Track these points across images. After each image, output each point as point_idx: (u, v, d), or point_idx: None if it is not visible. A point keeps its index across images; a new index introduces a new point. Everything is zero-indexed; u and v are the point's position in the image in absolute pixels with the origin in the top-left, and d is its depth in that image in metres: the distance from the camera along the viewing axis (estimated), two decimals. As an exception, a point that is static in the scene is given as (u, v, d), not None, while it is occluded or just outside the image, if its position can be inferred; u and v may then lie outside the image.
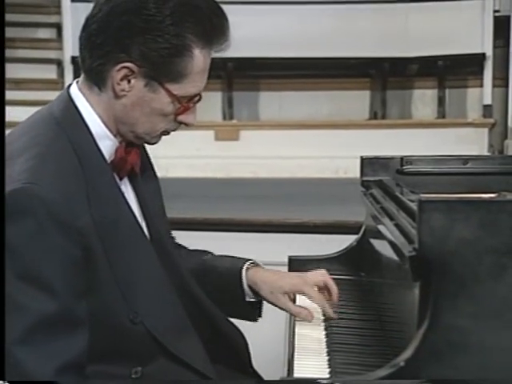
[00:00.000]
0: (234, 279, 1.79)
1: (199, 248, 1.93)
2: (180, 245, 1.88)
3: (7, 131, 1.60)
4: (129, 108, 1.50)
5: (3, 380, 1.44)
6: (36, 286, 1.37)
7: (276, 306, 1.79)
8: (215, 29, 1.49)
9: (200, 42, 1.47)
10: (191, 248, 1.90)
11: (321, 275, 1.81)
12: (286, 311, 1.79)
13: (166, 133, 1.58)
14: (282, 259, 2.22)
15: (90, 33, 1.47)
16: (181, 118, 1.54)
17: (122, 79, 1.47)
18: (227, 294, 1.79)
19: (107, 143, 1.53)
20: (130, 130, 1.53)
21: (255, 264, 1.83)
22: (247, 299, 1.80)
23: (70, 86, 1.56)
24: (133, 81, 1.47)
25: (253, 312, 1.83)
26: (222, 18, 1.51)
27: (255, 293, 1.79)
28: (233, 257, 1.87)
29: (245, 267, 1.79)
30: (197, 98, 1.54)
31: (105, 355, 1.49)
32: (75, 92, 1.54)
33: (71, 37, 6.46)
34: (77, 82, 1.55)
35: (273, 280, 1.78)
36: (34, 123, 1.54)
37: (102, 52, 1.46)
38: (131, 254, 1.52)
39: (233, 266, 1.81)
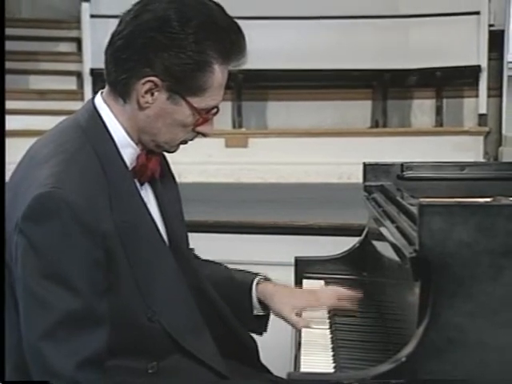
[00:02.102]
0: (244, 292, 1.78)
1: (208, 249, 1.93)
2: (195, 255, 1.87)
3: (32, 139, 1.60)
4: (151, 119, 1.51)
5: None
6: (60, 285, 1.38)
7: (284, 319, 1.76)
8: (234, 46, 1.50)
9: (220, 58, 1.48)
10: (199, 251, 1.90)
11: (332, 291, 1.81)
12: (292, 325, 1.76)
13: (184, 142, 1.58)
14: (288, 260, 2.22)
15: (116, 48, 1.48)
16: (199, 128, 1.55)
17: (146, 92, 1.48)
18: (236, 305, 1.77)
19: (129, 151, 1.54)
20: (152, 139, 1.54)
21: (266, 279, 1.81)
22: (255, 312, 1.79)
23: (94, 96, 1.57)
24: (156, 94, 1.48)
25: (259, 326, 1.81)
26: (240, 37, 1.52)
27: (264, 306, 1.78)
28: (245, 271, 1.86)
29: (255, 281, 1.78)
30: (215, 110, 1.55)
31: (123, 350, 1.50)
32: (100, 103, 1.54)
33: (90, 50, 6.47)
34: (101, 93, 1.56)
35: (284, 295, 1.77)
36: (61, 131, 1.55)
37: (128, 66, 1.47)
38: (150, 256, 1.52)
39: (244, 279, 1.80)
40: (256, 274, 1.81)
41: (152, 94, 1.48)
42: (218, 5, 1.52)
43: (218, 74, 1.50)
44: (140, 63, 1.46)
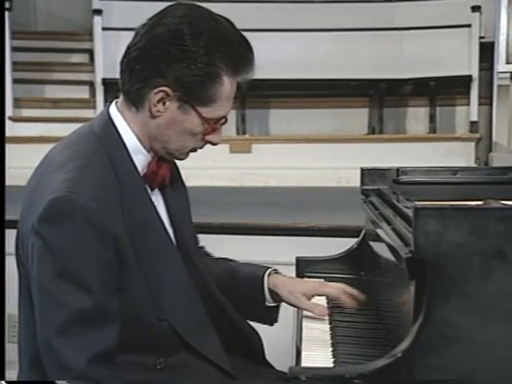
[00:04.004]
0: (256, 284, 1.78)
1: (214, 250, 1.93)
2: (207, 253, 1.87)
3: (47, 145, 1.61)
4: (163, 127, 1.50)
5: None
6: (74, 284, 1.38)
7: (293, 305, 1.77)
8: (243, 60, 1.50)
9: (229, 70, 1.48)
10: (211, 253, 1.90)
11: (338, 285, 1.82)
12: (303, 309, 1.77)
13: (194, 150, 1.58)
14: (290, 260, 2.22)
15: (131, 59, 1.48)
16: (208, 137, 1.55)
17: (158, 101, 1.48)
18: (249, 297, 1.78)
19: (141, 158, 1.54)
20: (163, 147, 1.54)
21: (276, 271, 1.82)
22: (267, 304, 1.78)
23: (109, 105, 1.57)
24: (167, 103, 1.48)
25: (270, 316, 1.81)
26: (249, 51, 1.52)
27: (275, 295, 1.78)
28: (255, 264, 1.86)
29: (267, 273, 1.79)
30: (223, 120, 1.55)
31: (133, 347, 1.50)
32: (114, 111, 1.54)
33: (102, 61, 6.47)
34: (116, 102, 1.56)
35: (293, 283, 1.79)
36: (76, 138, 1.55)
37: (141, 76, 1.47)
38: (159, 258, 1.52)
39: (256, 272, 1.80)
40: (266, 267, 1.81)
41: (164, 104, 1.48)
42: (228, 20, 1.52)
43: (227, 85, 1.50)
44: (153, 74, 1.46)
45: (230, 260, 1.89)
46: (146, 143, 1.54)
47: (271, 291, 1.78)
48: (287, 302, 1.78)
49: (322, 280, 1.92)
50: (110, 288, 1.42)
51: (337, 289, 1.80)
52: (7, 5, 6.03)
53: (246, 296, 1.77)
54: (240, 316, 1.74)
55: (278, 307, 1.81)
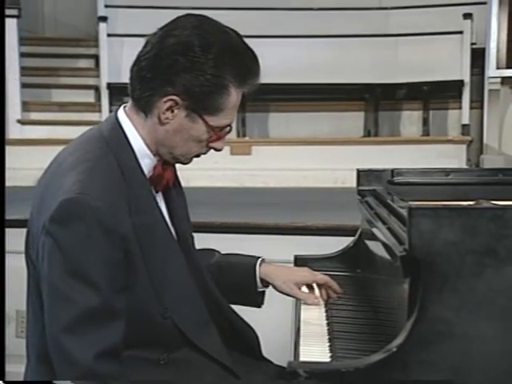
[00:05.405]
0: (249, 273, 1.82)
1: (213, 248, 1.93)
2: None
3: (54, 147, 1.60)
4: (170, 133, 1.51)
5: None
6: (82, 282, 1.38)
7: (287, 294, 1.83)
8: (250, 72, 1.51)
9: (236, 82, 1.49)
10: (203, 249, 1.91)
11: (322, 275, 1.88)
12: (297, 298, 1.84)
13: (197, 156, 1.58)
14: (288, 258, 2.22)
15: (141, 68, 1.48)
16: (212, 144, 1.56)
17: (166, 109, 1.48)
18: (242, 284, 1.82)
19: (147, 161, 1.54)
20: (169, 152, 1.54)
21: (265, 261, 1.86)
22: (258, 290, 1.83)
23: (117, 110, 1.57)
24: (176, 111, 1.48)
25: (260, 300, 1.86)
26: (256, 63, 1.52)
27: (266, 284, 1.83)
28: (243, 255, 1.90)
29: (258, 262, 1.83)
30: (228, 129, 1.55)
31: (138, 343, 1.50)
32: (122, 116, 1.54)
33: (107, 66, 6.46)
34: (124, 106, 1.56)
35: (285, 273, 1.84)
36: (85, 141, 1.55)
37: (151, 85, 1.47)
38: (164, 258, 1.53)
39: (248, 262, 1.85)
40: (256, 257, 1.86)
41: (172, 111, 1.48)
42: (236, 33, 1.52)
43: (234, 96, 1.50)
44: (163, 83, 1.46)
45: (214, 250, 1.92)
46: (152, 148, 1.54)
47: (262, 279, 1.83)
48: (280, 291, 1.83)
49: (307, 268, 1.93)
50: (117, 287, 1.42)
51: (324, 278, 1.87)
52: (16, 12, 6.03)
53: (239, 284, 1.82)
54: (235, 312, 1.75)
55: (264, 291, 1.86)
